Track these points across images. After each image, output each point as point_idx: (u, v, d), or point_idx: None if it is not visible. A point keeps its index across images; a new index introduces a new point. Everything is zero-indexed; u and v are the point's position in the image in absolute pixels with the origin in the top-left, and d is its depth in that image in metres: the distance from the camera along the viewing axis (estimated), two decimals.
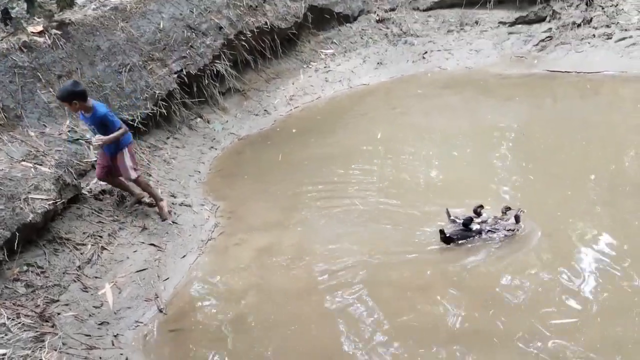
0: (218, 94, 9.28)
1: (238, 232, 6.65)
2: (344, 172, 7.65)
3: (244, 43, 9.60)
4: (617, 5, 10.55)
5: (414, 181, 7.30)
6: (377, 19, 11.78)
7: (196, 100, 8.90)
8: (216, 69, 9.11)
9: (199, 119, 8.92)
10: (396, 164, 7.79)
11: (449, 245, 5.80)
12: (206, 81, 8.99)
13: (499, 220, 5.94)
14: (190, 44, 8.78)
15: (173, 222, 6.66)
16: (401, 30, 11.52)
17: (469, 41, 11.10)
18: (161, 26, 8.54)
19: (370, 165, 7.79)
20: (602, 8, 10.57)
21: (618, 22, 10.33)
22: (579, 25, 10.57)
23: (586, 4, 10.73)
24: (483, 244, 5.80)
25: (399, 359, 4.71)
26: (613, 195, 6.38)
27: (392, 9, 11.95)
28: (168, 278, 5.96)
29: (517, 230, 5.85)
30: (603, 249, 5.58)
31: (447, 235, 5.78)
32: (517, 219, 5.88)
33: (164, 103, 8.16)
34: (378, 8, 11.96)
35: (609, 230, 5.80)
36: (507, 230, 5.83)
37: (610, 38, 10.22)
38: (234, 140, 8.94)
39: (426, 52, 11.10)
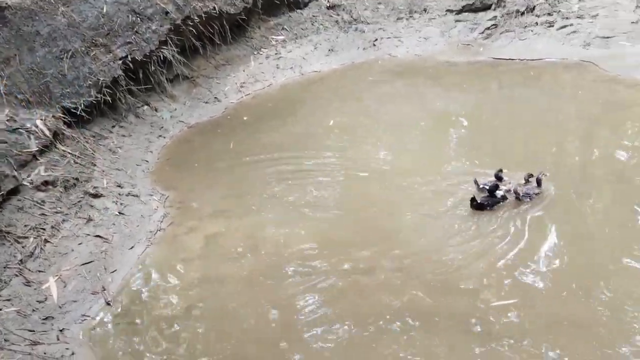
0: (166, 81, 9.08)
1: (188, 222, 6.57)
2: (296, 160, 7.64)
3: (191, 29, 9.38)
4: None
5: (367, 168, 7.36)
6: (328, 5, 11.73)
7: (143, 87, 8.69)
8: (163, 55, 8.88)
9: (146, 107, 8.71)
10: (349, 151, 7.83)
11: (482, 212, 6.18)
12: (153, 68, 8.76)
13: (522, 186, 6.37)
14: (135, 29, 8.53)
15: (120, 212, 6.52)
16: (352, 17, 11.52)
17: (418, 29, 11.21)
18: (104, 10, 8.25)
19: (323, 152, 7.80)
20: None
21: (559, 11, 10.65)
22: (522, 14, 10.84)
23: None
24: None
25: (348, 341, 4.82)
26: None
27: None
28: (115, 270, 5.84)
29: (540, 192, 6.30)
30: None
31: (479, 202, 6.19)
32: (538, 182, 6.34)
33: (108, 90, 7.92)
34: None
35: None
36: (534, 194, 6.27)
37: (552, 26, 10.53)
38: (183, 129, 8.78)
39: (377, 39, 11.15)
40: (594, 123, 7.68)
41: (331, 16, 11.55)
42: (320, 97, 9.59)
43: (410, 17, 11.50)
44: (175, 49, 9.11)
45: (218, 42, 10.13)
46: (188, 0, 9.33)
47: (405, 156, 7.54)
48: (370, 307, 5.12)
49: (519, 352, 4.52)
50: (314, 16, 11.43)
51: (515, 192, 6.25)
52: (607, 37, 9.90)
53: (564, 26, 10.38)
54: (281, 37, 11.02)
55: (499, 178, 6.50)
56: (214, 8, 9.69)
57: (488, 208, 6.19)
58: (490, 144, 7.59)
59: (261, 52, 10.63)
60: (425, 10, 11.46)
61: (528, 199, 6.25)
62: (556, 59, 9.91)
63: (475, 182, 6.51)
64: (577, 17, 10.43)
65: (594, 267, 5.28)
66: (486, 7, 11.38)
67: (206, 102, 9.38)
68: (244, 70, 10.17)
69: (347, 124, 8.52)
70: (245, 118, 9.03)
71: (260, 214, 6.62)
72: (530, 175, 6.43)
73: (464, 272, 5.40)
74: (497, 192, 6.28)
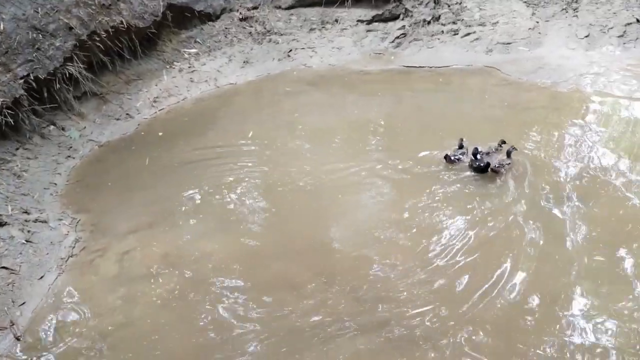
0: (73, 99, 8.64)
1: (101, 245, 6.30)
2: (215, 174, 7.53)
3: (98, 44, 9.01)
4: (461, 3, 11.42)
5: (289, 178, 7.37)
6: (240, 17, 11.67)
7: (48, 106, 8.22)
8: (69, 72, 8.45)
9: (52, 127, 8.25)
10: (270, 162, 7.79)
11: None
12: (58, 85, 8.32)
13: (493, 153, 7.16)
14: (37, 46, 8.08)
15: (27, 241, 6.13)
16: (265, 28, 11.52)
17: (331, 39, 11.40)
18: (1, 28, 7.77)
19: (243, 165, 7.73)
20: (449, 6, 11.39)
21: (463, 19, 11.20)
22: (429, 22, 11.30)
23: (434, 2, 11.49)
24: None
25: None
26: None
27: (255, 7, 11.90)
28: (24, 302, 5.49)
29: (509, 164, 6.98)
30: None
31: (476, 165, 6.97)
32: (508, 154, 7.04)
33: (9, 111, 7.44)
34: (241, 6, 11.83)
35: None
36: (507, 164, 7.01)
37: (457, 34, 11.05)
38: (94, 148, 8.40)
39: (291, 50, 11.22)
40: (500, 124, 8.11)
41: (244, 28, 11.49)
42: (237, 110, 9.51)
43: (323, 27, 11.67)
44: (82, 66, 8.70)
45: (128, 57, 9.78)
46: (93, 15, 8.96)
47: (327, 165, 7.60)
48: (295, 322, 5.13)
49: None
50: (226, 28, 11.32)
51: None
52: (507, 43, 10.53)
53: (468, 34, 10.93)
54: (194, 50, 10.83)
55: (460, 146, 7.26)
56: (122, 22, 9.37)
57: (482, 167, 6.93)
58: (406, 148, 7.80)
59: (174, 66, 10.38)
60: (337, 20, 11.67)
61: (503, 170, 6.93)
62: (462, 65, 10.39)
63: (446, 157, 7.18)
64: (479, 25, 11.01)
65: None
66: (395, 17, 11.75)
67: (118, 119, 9.03)
68: (156, 85, 9.89)
69: (266, 135, 8.48)
70: (160, 134, 8.78)
71: (179, 231, 6.47)
72: (503, 142, 7.16)
73: (389, 280, 5.53)
74: (478, 155, 7.08)
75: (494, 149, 7.27)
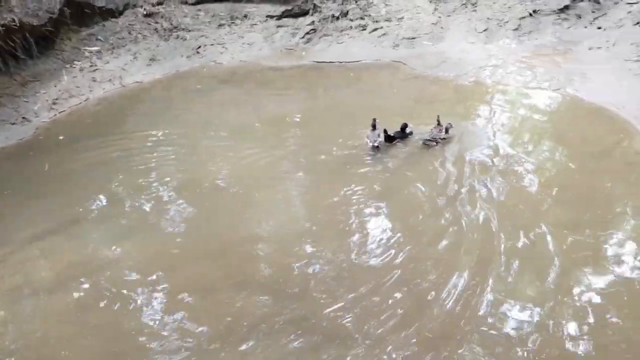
0: None
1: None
2: (123, 177, 7.23)
3: None
4: None
5: (205, 178, 7.19)
6: (145, 13, 11.26)
7: None
8: None
9: None
10: (184, 162, 7.60)
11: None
12: None
13: (433, 130, 7.63)
14: None
15: None
16: (172, 24, 11.20)
17: (241, 35, 11.26)
18: None
19: (154, 167, 7.48)
20: (356, 2, 11.59)
21: (370, 15, 11.44)
22: (337, 18, 11.45)
23: None
24: None
25: None
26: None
27: (160, 3, 11.53)
28: None
29: (444, 139, 7.52)
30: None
31: (391, 135, 7.59)
32: (447, 130, 7.56)
33: None
34: (145, 2, 11.41)
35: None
36: (441, 139, 7.54)
37: (365, 29, 11.27)
38: None
39: (200, 47, 10.97)
40: (410, 117, 8.32)
41: (149, 24, 11.11)
42: (146, 109, 9.18)
43: (232, 23, 11.51)
44: None
45: (22, 57, 9.19)
46: None
47: (244, 162, 7.51)
48: (210, 326, 5.03)
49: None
50: (130, 24, 10.89)
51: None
52: (412, 38, 10.87)
53: (375, 29, 11.17)
54: (96, 48, 10.32)
55: (374, 126, 7.58)
56: (13, 20, 8.78)
57: (398, 140, 7.61)
58: (323, 142, 7.83)
59: (74, 65, 9.85)
60: (246, 16, 11.54)
61: (434, 144, 7.47)
62: (371, 60, 10.61)
63: (385, 131, 7.59)
64: (386, 21, 11.29)
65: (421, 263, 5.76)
66: (305, 13, 11.79)
67: (13, 124, 8.45)
68: (55, 86, 9.35)
69: (179, 134, 8.26)
70: (61, 137, 8.31)
71: (86, 237, 6.15)
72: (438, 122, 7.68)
73: (304, 277, 5.53)
74: (407, 130, 7.72)
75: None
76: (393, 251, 5.71)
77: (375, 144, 7.51)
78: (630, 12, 10.41)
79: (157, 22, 11.18)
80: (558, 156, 6.97)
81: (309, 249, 5.89)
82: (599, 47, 9.76)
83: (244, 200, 6.74)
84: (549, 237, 5.59)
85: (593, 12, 10.89)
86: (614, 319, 4.68)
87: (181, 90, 9.94)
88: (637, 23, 9.85)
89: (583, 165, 6.72)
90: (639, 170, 6.50)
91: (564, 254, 5.38)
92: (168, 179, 7.22)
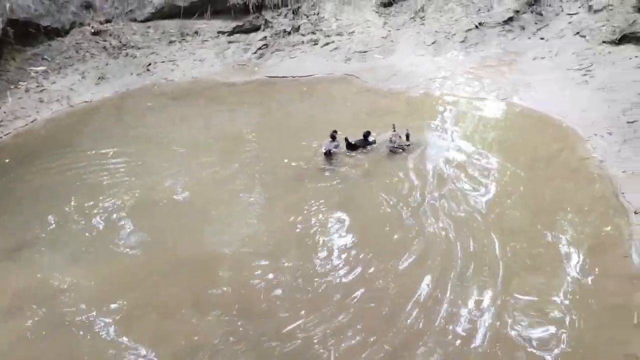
0: None
1: None
2: (74, 198, 7.02)
3: None
4: (319, 13, 11.80)
5: (157, 197, 7.06)
6: (93, 31, 11.07)
7: None
8: None
9: None
10: (138, 180, 7.43)
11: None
12: None
13: (393, 137, 7.77)
14: None
15: None
16: (121, 42, 11.03)
17: (192, 51, 11.19)
18: None
19: (108, 187, 7.29)
20: (307, 16, 11.71)
21: (321, 29, 11.56)
22: (289, 33, 11.53)
23: (293, 13, 11.75)
24: None
25: None
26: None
27: (108, 21, 11.36)
28: None
29: (408, 145, 7.71)
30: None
31: (353, 142, 7.73)
32: (407, 137, 7.74)
33: None
34: (92, 20, 11.24)
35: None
36: (406, 145, 7.73)
37: (317, 44, 11.38)
38: None
39: (150, 64, 10.84)
40: (363, 128, 8.40)
41: (98, 42, 10.92)
42: (95, 129, 8.99)
43: (183, 39, 11.43)
44: None
45: None
46: None
47: (198, 180, 7.42)
48: (165, 349, 4.92)
49: None
50: (77, 43, 10.68)
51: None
52: (364, 52, 11.03)
53: (327, 43, 11.29)
54: (42, 68, 10.07)
55: (333, 137, 7.70)
56: None
57: (360, 149, 7.75)
58: (279, 155, 7.81)
59: (19, 86, 9.57)
60: (197, 32, 11.49)
61: (400, 150, 7.64)
62: (324, 74, 10.70)
63: (347, 139, 7.70)
64: (337, 35, 11.43)
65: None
66: (256, 28, 11.83)
67: None
68: (0, 108, 9.05)
69: (130, 153, 8.10)
70: (6, 160, 8.03)
71: (34, 263, 5.95)
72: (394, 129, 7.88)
73: (263, 295, 5.47)
74: (369, 138, 7.84)
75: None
76: (354, 266, 5.70)
77: (324, 150, 7.58)
78: (570, 22, 10.86)
79: (105, 40, 11.00)
80: (508, 164, 7.15)
81: (268, 266, 5.81)
82: (542, 57, 10.13)
83: (200, 218, 6.64)
84: (498, 244, 5.72)
85: (536, 23, 11.31)
86: (559, 315, 4.84)
87: (132, 108, 9.78)
88: (577, 33, 10.28)
89: (532, 172, 6.93)
90: (583, 175, 6.73)
91: (514, 259, 5.52)
92: (120, 198, 7.05)
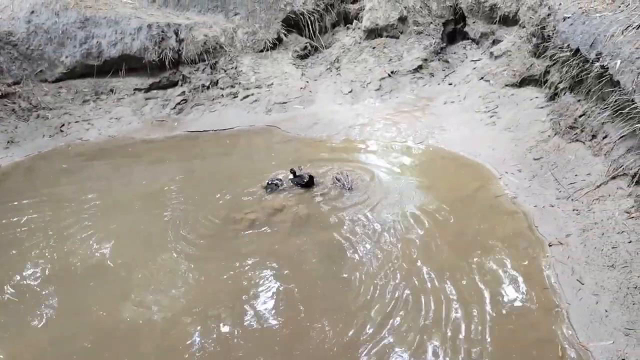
0: None
1: None
2: None
3: None
4: (236, 67, 11.94)
5: (75, 265, 6.62)
6: (0, 94, 10.58)
7: None
8: None
9: None
10: (52, 249, 6.96)
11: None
12: None
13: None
14: None
15: None
16: (31, 104, 10.61)
17: (108, 110, 10.94)
18: None
19: (17, 256, 6.81)
20: (225, 71, 11.82)
21: (240, 83, 11.68)
22: (208, 87, 11.57)
23: (211, 68, 11.83)
24: None
25: None
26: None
27: (17, 82, 10.93)
28: None
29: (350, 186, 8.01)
30: None
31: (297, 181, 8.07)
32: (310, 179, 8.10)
33: None
34: (0, 82, 10.77)
35: None
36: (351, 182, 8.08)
37: (237, 97, 11.48)
38: None
39: (63, 125, 10.46)
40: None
41: (6, 105, 10.43)
42: (5, 195, 8.44)
43: (98, 98, 11.17)
44: None
45: None
46: None
47: (119, 242, 7.06)
48: None
49: None
50: None
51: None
52: (284, 103, 11.23)
53: (247, 96, 11.42)
54: None
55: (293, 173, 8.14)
56: None
57: (300, 186, 7.99)
58: (204, 210, 7.64)
59: None
60: (112, 90, 11.27)
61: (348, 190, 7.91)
62: (246, 126, 10.77)
63: (292, 171, 8.13)
64: (256, 87, 11.59)
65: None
66: (174, 84, 11.78)
67: None
68: None
69: (44, 219, 7.65)
70: None
71: None
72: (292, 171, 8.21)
73: None
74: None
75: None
76: (288, 323, 5.59)
77: (269, 182, 8.04)
78: (475, 68, 11.64)
79: (14, 103, 10.54)
80: (431, 204, 7.39)
81: (199, 330, 5.52)
82: (452, 101, 10.73)
83: (122, 284, 6.25)
84: (432, 282, 5.85)
85: (443, 70, 12.04)
86: (484, 352, 4.95)
87: (45, 171, 9.33)
88: (482, 78, 11.00)
89: (454, 211, 7.18)
90: (500, 211, 7.08)
91: (441, 295, 5.65)
92: (33, 267, 6.59)
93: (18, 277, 6.42)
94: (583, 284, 5.47)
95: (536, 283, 5.69)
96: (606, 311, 5.08)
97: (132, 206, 8.01)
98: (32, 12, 11.52)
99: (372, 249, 6.60)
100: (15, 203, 8.14)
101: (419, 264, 6.23)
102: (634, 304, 5.02)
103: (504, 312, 5.40)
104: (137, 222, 7.50)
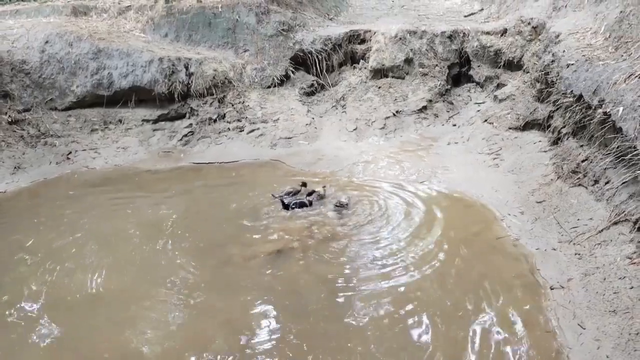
0: None
1: None
2: None
3: None
4: (244, 102, 12.14)
5: (75, 295, 6.57)
6: (10, 120, 10.74)
7: None
8: None
9: None
10: (56, 277, 6.93)
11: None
12: None
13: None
14: None
15: None
16: (40, 131, 10.76)
17: (115, 139, 11.07)
18: None
19: (14, 282, 6.78)
20: (232, 105, 12.00)
21: (247, 117, 11.85)
22: (215, 121, 11.74)
23: (219, 102, 12.03)
24: None
25: None
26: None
27: (27, 110, 11.10)
28: None
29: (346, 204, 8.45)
30: None
31: (285, 203, 8.44)
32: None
33: None
34: (10, 109, 10.93)
35: None
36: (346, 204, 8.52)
37: (243, 130, 11.63)
38: None
39: (70, 153, 10.58)
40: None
41: (15, 131, 10.58)
42: (9, 220, 8.49)
43: (106, 128, 11.32)
44: None
45: None
46: None
47: (119, 273, 7.03)
48: None
49: None
50: None
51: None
52: (289, 138, 11.37)
53: (253, 130, 11.57)
54: None
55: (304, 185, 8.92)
56: None
57: (293, 207, 8.38)
58: (207, 242, 7.65)
59: None
60: (120, 121, 11.43)
61: (338, 211, 8.36)
62: (250, 159, 10.88)
63: (278, 196, 8.63)
64: (262, 122, 11.75)
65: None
66: (181, 116, 11.95)
67: None
68: None
69: (46, 245, 7.65)
70: None
71: None
72: (304, 184, 8.97)
73: None
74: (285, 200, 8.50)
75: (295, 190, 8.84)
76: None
77: (277, 195, 8.71)
78: (479, 110, 11.80)
79: (23, 129, 10.69)
80: (433, 245, 7.38)
81: None
82: (456, 142, 10.84)
83: (121, 316, 6.18)
84: (436, 325, 5.80)
85: (448, 111, 12.20)
86: None
87: (50, 197, 9.38)
88: (486, 120, 11.14)
89: (455, 252, 7.18)
90: (502, 254, 7.06)
91: (442, 339, 5.59)
92: (28, 296, 6.53)
93: (13, 303, 6.38)
94: (584, 329, 5.43)
95: (537, 327, 5.65)
96: (607, 357, 5.03)
97: (133, 235, 8.02)
98: (47, 42, 11.80)
99: (374, 287, 6.59)
100: (17, 228, 8.18)
101: (418, 306, 6.19)
102: (635, 351, 4.97)
103: (504, 355, 5.34)
104: (137, 251, 7.50)
